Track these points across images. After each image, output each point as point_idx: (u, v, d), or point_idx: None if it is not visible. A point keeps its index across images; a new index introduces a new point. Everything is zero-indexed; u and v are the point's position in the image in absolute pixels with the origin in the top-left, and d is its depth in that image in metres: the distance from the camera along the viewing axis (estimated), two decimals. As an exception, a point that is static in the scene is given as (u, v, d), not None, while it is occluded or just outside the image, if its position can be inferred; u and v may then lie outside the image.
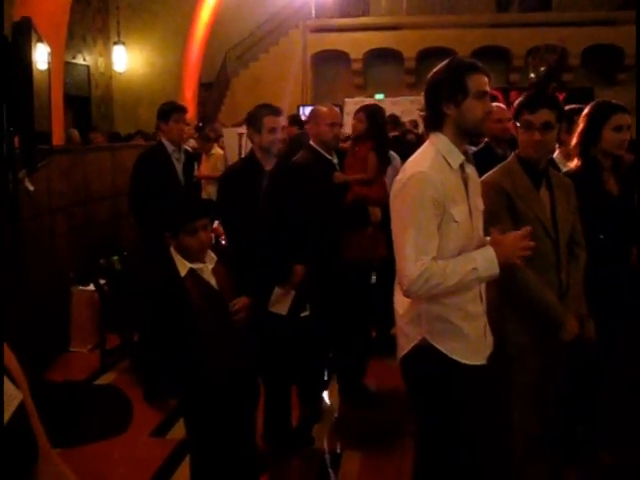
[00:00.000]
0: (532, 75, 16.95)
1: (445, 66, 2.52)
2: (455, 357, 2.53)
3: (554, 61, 16.33)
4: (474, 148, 4.19)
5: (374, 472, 3.91)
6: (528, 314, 2.91)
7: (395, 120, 7.96)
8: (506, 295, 2.89)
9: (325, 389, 5.03)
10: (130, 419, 4.56)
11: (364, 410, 4.69)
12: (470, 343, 2.58)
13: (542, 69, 16.56)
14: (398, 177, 2.51)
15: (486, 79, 2.49)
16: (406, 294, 2.46)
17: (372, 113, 4.77)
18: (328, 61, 18.36)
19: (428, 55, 16.73)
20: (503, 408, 2.99)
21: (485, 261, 2.41)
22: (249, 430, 3.26)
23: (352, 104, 12.96)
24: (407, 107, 13.03)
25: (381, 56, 18.07)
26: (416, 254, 2.36)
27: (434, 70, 2.55)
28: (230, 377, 2.93)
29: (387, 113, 7.35)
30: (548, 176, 3.00)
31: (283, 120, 3.90)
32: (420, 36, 17.32)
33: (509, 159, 3.05)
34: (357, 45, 17.82)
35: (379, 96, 15.97)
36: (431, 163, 2.46)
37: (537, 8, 18.16)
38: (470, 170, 2.62)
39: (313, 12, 18.18)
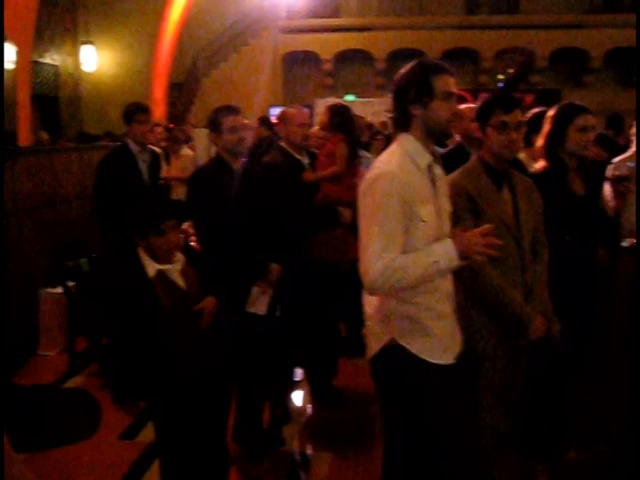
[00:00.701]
0: (500, 77, 17.14)
1: (411, 68, 2.54)
2: (424, 356, 2.55)
3: (522, 63, 16.52)
4: (442, 150, 4.23)
5: (344, 473, 3.91)
6: (495, 314, 2.94)
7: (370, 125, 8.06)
8: (472, 296, 2.92)
9: (296, 390, 5.03)
10: (99, 422, 4.51)
11: (334, 411, 4.69)
12: (439, 342, 2.60)
13: (510, 71, 16.76)
14: (366, 176, 2.53)
15: (452, 80, 2.51)
16: (369, 291, 2.48)
17: (335, 108, 4.86)
18: (299, 62, 18.37)
19: (398, 56, 16.80)
20: (472, 407, 3.02)
21: (445, 253, 2.43)
22: (219, 432, 3.24)
23: (323, 105, 12.96)
24: (377, 108, 13.09)
25: (351, 57, 18.13)
26: (379, 252, 2.38)
27: (401, 72, 2.57)
28: (199, 379, 2.92)
29: (358, 114, 7.43)
30: (509, 177, 3.04)
31: (243, 118, 3.90)
32: (390, 37, 17.40)
33: (471, 161, 3.08)
34: (327, 46, 17.85)
35: (349, 97, 16.03)
36: (398, 163, 2.48)
37: (505, 11, 18.36)
38: (438, 170, 2.64)
39: (283, 13, 18.16)
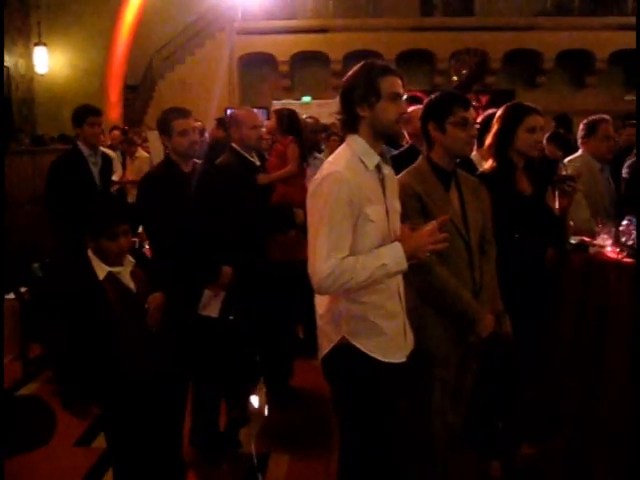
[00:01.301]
0: (455, 78, 17.33)
1: (358, 69, 2.57)
2: (375, 355, 2.58)
3: (475, 64, 16.74)
4: (395, 151, 4.28)
5: (302, 473, 3.93)
6: (445, 313, 2.98)
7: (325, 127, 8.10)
8: (423, 295, 2.96)
9: (252, 392, 5.02)
10: (54, 429, 4.45)
11: (291, 412, 4.70)
12: (389, 341, 2.63)
13: (464, 72, 16.96)
14: (315, 177, 2.54)
15: (399, 81, 2.55)
16: (318, 291, 2.50)
17: (282, 111, 4.99)
18: (255, 63, 18.30)
19: (354, 58, 16.77)
20: (425, 406, 3.06)
21: (394, 256, 2.46)
22: (174, 435, 3.23)
23: (279, 106, 12.98)
24: (333, 109, 13.07)
25: (308, 59, 18.13)
26: (327, 252, 2.40)
27: (348, 74, 2.59)
28: (151, 381, 2.91)
29: (314, 116, 7.46)
30: (457, 176, 3.08)
31: (194, 121, 3.90)
32: (346, 39, 17.44)
33: (418, 161, 3.11)
34: (284, 47, 17.82)
35: (306, 98, 16.03)
36: (347, 164, 2.50)
37: (460, 13, 18.55)
38: (387, 171, 2.67)
39: (239, 14, 18.08)
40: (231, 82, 17.92)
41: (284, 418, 4.66)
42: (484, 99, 14.98)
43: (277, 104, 13.90)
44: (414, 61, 16.95)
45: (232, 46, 17.86)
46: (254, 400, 4.95)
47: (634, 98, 14.56)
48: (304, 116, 6.46)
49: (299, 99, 15.75)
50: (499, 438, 3.75)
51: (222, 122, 7.79)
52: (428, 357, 2.96)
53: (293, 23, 18.18)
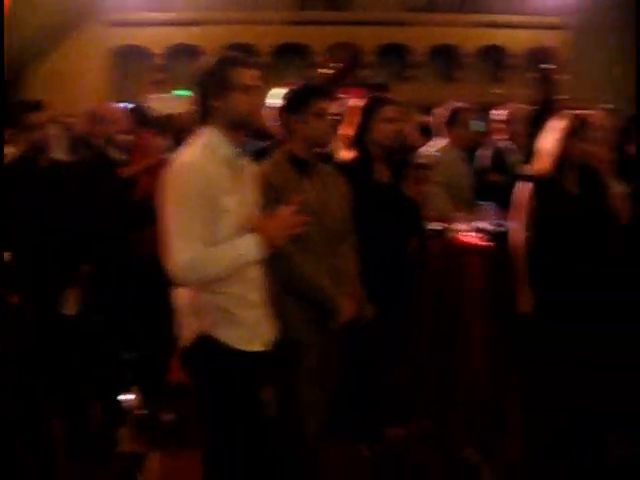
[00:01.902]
0: (328, 71, 17.55)
1: (213, 61, 2.58)
2: (235, 345, 2.59)
3: (349, 58, 17.02)
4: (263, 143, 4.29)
5: (178, 471, 3.91)
6: (306, 301, 3.04)
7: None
8: (283, 282, 2.99)
9: (126, 390, 4.93)
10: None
11: (167, 409, 4.65)
12: (249, 331, 2.64)
13: (338, 66, 17.20)
14: (167, 168, 2.53)
15: (253, 73, 2.57)
16: (177, 283, 2.50)
17: (132, 109, 5.15)
18: (129, 56, 17.82)
19: (231, 51, 16.68)
20: (292, 394, 3.11)
21: (250, 246, 2.50)
22: (45, 436, 3.14)
23: (156, 100, 12.76)
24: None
25: (183, 52, 17.84)
26: (184, 243, 2.40)
27: (201, 65, 2.60)
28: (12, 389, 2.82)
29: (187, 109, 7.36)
30: (315, 167, 3.15)
31: (45, 115, 3.78)
32: (222, 32, 17.28)
33: (277, 152, 3.16)
34: (158, 40, 17.46)
35: (182, 92, 15.76)
36: (200, 154, 2.51)
37: (335, 7, 18.80)
38: (244, 162, 2.69)
39: (112, 5, 17.52)
40: (104, 75, 17.37)
41: (160, 415, 4.60)
42: (357, 92, 15.23)
43: (152, 98, 13.65)
44: (291, 55, 17.06)
45: (105, 38, 17.31)
46: (128, 398, 4.85)
47: (501, 91, 15.34)
48: (179, 111, 6.40)
49: (174, 92, 15.47)
50: (366, 422, 3.85)
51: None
52: (292, 346, 3.00)
53: (168, 15, 17.83)
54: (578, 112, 3.85)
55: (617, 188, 3.84)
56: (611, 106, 6.56)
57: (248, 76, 2.55)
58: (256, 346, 2.67)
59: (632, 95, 8.57)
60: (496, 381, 3.90)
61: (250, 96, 2.55)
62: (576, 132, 3.60)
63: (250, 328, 2.64)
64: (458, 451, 3.84)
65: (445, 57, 18.06)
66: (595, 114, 4.12)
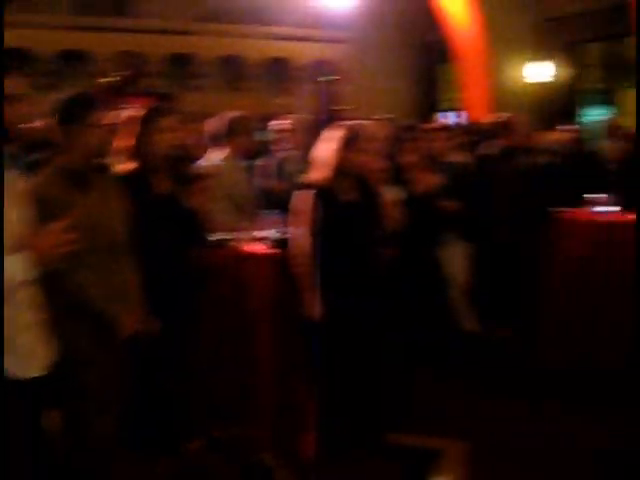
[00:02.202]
0: (110, 80, 17.07)
1: None
2: (13, 373, 2.40)
3: (133, 66, 16.69)
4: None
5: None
6: (85, 317, 2.95)
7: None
8: (61, 300, 2.86)
9: None
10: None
11: None
12: (26, 355, 2.48)
13: (121, 74, 16.79)
14: None
15: (18, 81, 2.44)
16: None
17: None
18: None
19: (6, 56, 15.68)
20: (78, 417, 3.00)
21: (18, 265, 2.33)
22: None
23: None
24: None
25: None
26: None
27: None
28: None
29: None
30: (92, 179, 3.06)
31: None
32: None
33: (50, 165, 3.03)
34: None
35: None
36: None
37: (122, 14, 18.30)
38: (11, 176, 2.52)
39: None
40: None
41: None
42: (142, 102, 14.94)
43: None
44: (72, 61, 16.40)
45: None
46: None
47: (284, 101, 15.82)
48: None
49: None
50: (164, 435, 3.78)
51: None
52: (75, 367, 2.89)
53: None
54: (353, 123, 4.07)
55: (388, 195, 4.11)
56: (391, 116, 7.05)
57: (12, 84, 2.42)
58: (35, 371, 2.51)
59: (410, 107, 9.24)
60: (287, 385, 4.00)
61: (13, 107, 2.41)
62: (350, 143, 3.80)
63: (25, 353, 2.46)
64: (253, 456, 3.88)
65: (231, 67, 18.32)
66: (369, 125, 4.33)
